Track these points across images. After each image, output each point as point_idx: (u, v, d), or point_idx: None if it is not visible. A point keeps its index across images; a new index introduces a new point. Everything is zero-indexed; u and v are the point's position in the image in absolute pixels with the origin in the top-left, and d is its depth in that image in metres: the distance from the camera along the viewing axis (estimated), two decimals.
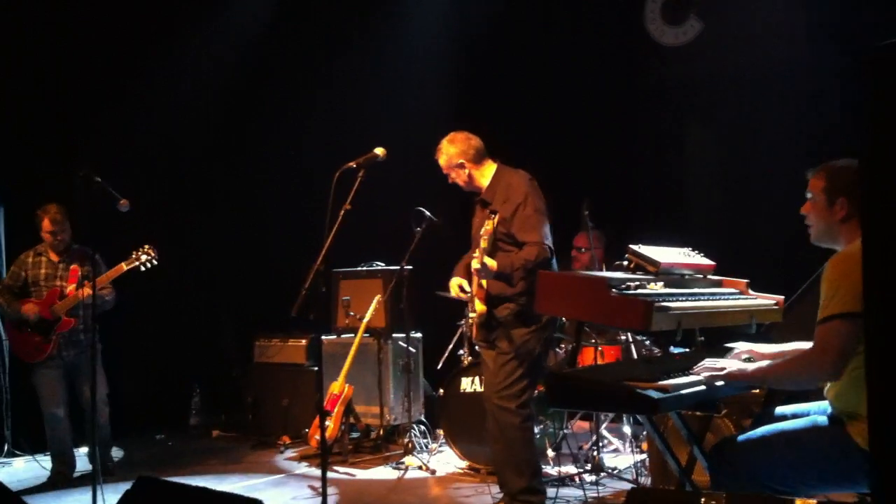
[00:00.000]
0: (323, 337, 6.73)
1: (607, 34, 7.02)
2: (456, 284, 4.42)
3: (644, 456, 5.25)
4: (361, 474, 5.71)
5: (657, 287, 3.05)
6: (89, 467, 5.45)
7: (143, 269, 5.50)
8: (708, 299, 3.24)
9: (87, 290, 5.25)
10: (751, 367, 2.82)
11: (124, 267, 5.46)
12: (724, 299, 3.34)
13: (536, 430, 5.02)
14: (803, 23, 6.13)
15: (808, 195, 2.89)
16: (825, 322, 2.59)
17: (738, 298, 3.42)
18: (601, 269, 5.75)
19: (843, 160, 2.82)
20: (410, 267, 6.15)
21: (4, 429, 6.34)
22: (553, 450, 5.42)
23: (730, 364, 2.86)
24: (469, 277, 4.39)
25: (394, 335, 6.57)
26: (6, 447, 6.33)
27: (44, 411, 5.55)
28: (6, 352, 6.28)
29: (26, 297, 5.56)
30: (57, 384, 5.55)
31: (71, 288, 5.48)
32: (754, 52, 6.38)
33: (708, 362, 2.89)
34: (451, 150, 4.42)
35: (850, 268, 2.57)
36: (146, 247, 5.50)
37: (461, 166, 4.42)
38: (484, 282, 4.21)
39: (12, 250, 5.74)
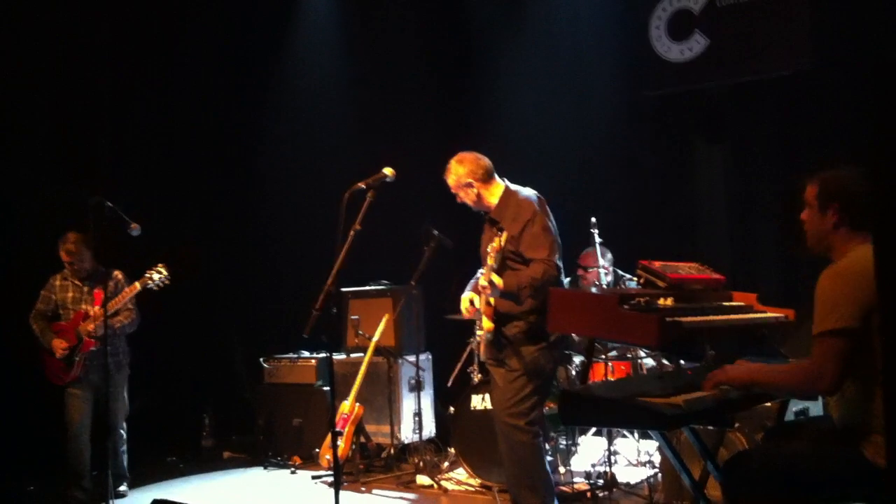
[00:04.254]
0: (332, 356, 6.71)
1: (612, 50, 7.04)
2: (467, 300, 4.39)
3: (656, 471, 5.23)
4: (373, 494, 5.70)
5: (668, 302, 3.05)
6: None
7: (155, 288, 5.53)
8: (719, 313, 3.24)
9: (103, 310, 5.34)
10: (751, 368, 2.81)
11: (138, 286, 5.52)
12: (734, 313, 3.34)
13: (548, 446, 5.01)
14: (809, 36, 6.13)
15: (806, 203, 2.91)
16: (823, 337, 2.59)
17: (749, 312, 3.42)
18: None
19: (838, 168, 2.84)
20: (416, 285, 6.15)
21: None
22: (565, 466, 5.40)
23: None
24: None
25: (403, 354, 6.57)
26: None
27: (68, 432, 5.58)
28: None
29: (57, 320, 5.68)
30: (83, 407, 5.60)
31: (95, 310, 5.52)
32: (759, 67, 6.39)
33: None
34: (460, 170, 4.42)
35: (847, 283, 2.60)
36: (159, 266, 5.55)
37: (469, 185, 4.42)
38: (492, 299, 4.21)
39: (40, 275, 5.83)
